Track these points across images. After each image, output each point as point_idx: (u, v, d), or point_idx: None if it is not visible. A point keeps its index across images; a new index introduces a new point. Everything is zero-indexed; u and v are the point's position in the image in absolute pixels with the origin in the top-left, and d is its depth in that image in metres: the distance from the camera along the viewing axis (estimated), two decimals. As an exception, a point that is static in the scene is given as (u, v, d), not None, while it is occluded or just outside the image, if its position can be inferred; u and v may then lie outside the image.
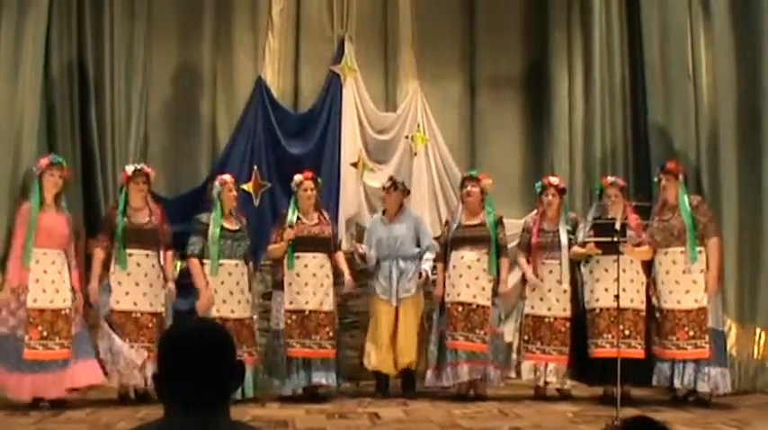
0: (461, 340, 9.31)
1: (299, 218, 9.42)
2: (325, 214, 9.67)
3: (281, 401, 9.10)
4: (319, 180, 9.71)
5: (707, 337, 8.84)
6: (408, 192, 10.20)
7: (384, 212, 9.97)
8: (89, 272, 9.14)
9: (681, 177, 9.16)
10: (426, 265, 9.65)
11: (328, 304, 9.38)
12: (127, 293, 8.93)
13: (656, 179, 9.35)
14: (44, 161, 8.85)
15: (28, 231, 8.62)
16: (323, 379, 9.28)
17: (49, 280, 8.67)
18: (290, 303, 9.28)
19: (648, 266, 9.19)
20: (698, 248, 8.96)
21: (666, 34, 10.56)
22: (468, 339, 9.30)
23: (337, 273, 9.60)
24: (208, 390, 2.49)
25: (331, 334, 9.33)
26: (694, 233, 8.95)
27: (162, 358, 2.55)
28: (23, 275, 8.62)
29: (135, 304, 8.94)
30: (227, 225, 9.19)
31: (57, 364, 8.58)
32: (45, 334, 8.54)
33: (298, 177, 9.56)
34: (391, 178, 10.23)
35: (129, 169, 9.19)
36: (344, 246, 10.49)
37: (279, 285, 9.41)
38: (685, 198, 9.08)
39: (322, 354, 9.27)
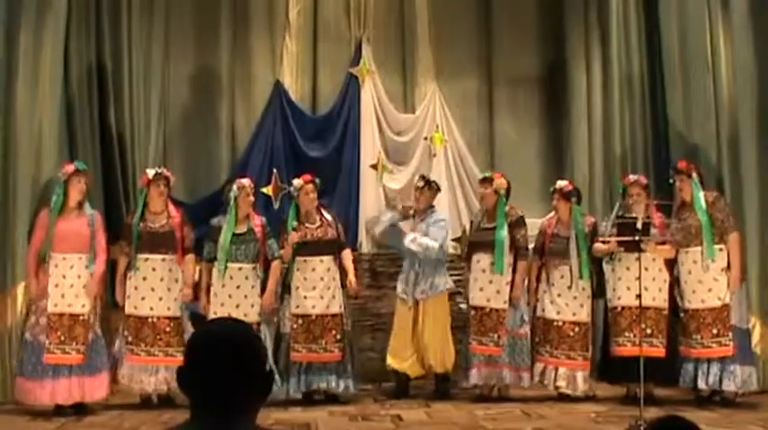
0: (474, 344, 9.32)
1: (300, 222, 9.39)
2: (327, 215, 9.58)
3: (304, 404, 9.09)
4: (317, 181, 9.58)
5: (730, 334, 8.79)
6: (439, 190, 10.12)
7: (414, 214, 9.91)
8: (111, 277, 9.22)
9: (694, 175, 9.08)
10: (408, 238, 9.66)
11: (335, 307, 9.31)
12: (143, 298, 8.96)
13: (670, 181, 9.27)
14: (70, 167, 8.88)
15: (46, 236, 8.67)
16: (324, 383, 9.25)
17: (68, 284, 8.69)
18: (297, 307, 9.26)
19: (671, 265, 9.14)
20: (718, 246, 8.90)
21: (685, 28, 10.51)
22: (481, 343, 9.29)
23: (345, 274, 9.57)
24: (234, 392, 2.45)
25: (338, 337, 9.26)
26: (711, 231, 8.88)
27: (189, 355, 2.50)
28: (43, 281, 8.66)
29: (151, 309, 8.97)
30: (234, 229, 9.15)
31: (72, 370, 8.62)
32: (63, 338, 8.58)
33: (298, 182, 9.50)
34: (423, 176, 10.16)
35: (150, 172, 9.21)
36: (365, 248, 10.52)
37: (288, 289, 9.38)
38: (700, 196, 9.00)
39: (327, 358, 9.22)
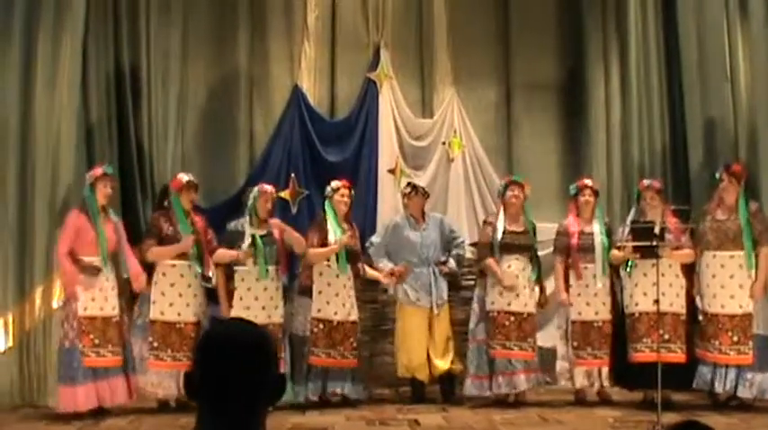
0: (516, 350, 9.24)
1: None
2: (355, 226, 9.67)
3: (321, 408, 9.09)
4: (353, 192, 9.67)
5: (750, 343, 8.76)
6: (428, 196, 10.12)
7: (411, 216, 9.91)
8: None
9: (743, 182, 9.05)
10: (451, 260, 9.74)
11: (354, 315, 9.40)
12: (171, 304, 8.98)
13: (717, 175, 9.18)
14: (98, 170, 8.89)
15: (99, 241, 8.68)
16: (339, 388, 9.28)
17: (96, 288, 8.72)
18: (318, 311, 9.27)
19: (689, 269, 9.11)
20: (751, 252, 8.87)
21: (703, 35, 10.49)
22: (522, 349, 9.24)
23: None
24: (243, 394, 2.40)
25: (354, 344, 9.35)
26: (750, 237, 8.85)
27: (197, 356, 2.45)
28: (72, 285, 8.67)
29: (179, 315, 8.98)
30: (257, 232, 9.15)
31: (110, 372, 8.65)
32: (97, 342, 8.59)
33: (335, 183, 9.56)
34: (410, 183, 10.25)
35: (184, 178, 9.21)
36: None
37: (306, 291, 9.38)
38: (744, 202, 8.97)
39: (344, 364, 9.27)
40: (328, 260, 9.33)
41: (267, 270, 9.08)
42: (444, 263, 9.72)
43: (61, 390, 8.57)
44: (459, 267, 9.83)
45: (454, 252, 9.80)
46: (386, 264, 9.72)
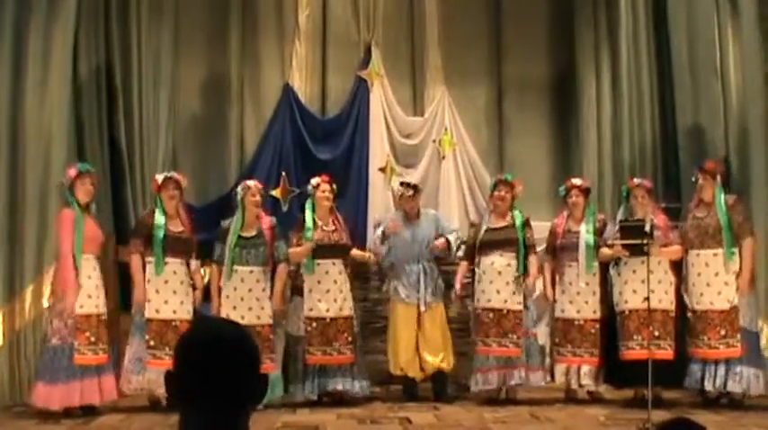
0: (494, 346, 9.26)
1: (315, 222, 9.38)
2: (340, 219, 9.62)
3: (312, 407, 9.09)
4: (334, 187, 9.63)
5: (738, 336, 8.78)
6: (421, 192, 10.17)
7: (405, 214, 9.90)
8: (121, 278, 9.26)
9: (718, 178, 9.08)
10: (451, 236, 9.70)
11: (347, 309, 9.37)
12: (166, 302, 8.95)
13: (693, 179, 9.23)
14: (72, 171, 8.84)
15: (76, 239, 8.65)
16: (339, 385, 9.27)
17: (93, 285, 8.71)
18: (311, 310, 9.26)
19: (678, 267, 9.13)
20: (732, 248, 8.90)
21: (694, 34, 10.52)
22: (501, 345, 9.25)
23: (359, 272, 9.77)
24: (225, 395, 2.36)
25: (350, 339, 9.31)
26: (730, 232, 8.88)
27: (177, 356, 2.41)
28: (71, 282, 8.64)
29: (174, 312, 8.96)
30: (243, 232, 9.13)
31: (96, 370, 8.64)
32: (93, 339, 8.60)
33: (315, 180, 9.54)
34: (409, 183, 10.16)
35: (159, 177, 9.21)
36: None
37: (299, 290, 9.39)
38: (722, 197, 8.99)
39: (341, 360, 9.26)
40: (316, 259, 9.31)
41: (232, 271, 9.04)
42: (438, 238, 9.69)
43: (40, 387, 8.54)
44: (456, 244, 9.78)
45: (453, 236, 9.77)
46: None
